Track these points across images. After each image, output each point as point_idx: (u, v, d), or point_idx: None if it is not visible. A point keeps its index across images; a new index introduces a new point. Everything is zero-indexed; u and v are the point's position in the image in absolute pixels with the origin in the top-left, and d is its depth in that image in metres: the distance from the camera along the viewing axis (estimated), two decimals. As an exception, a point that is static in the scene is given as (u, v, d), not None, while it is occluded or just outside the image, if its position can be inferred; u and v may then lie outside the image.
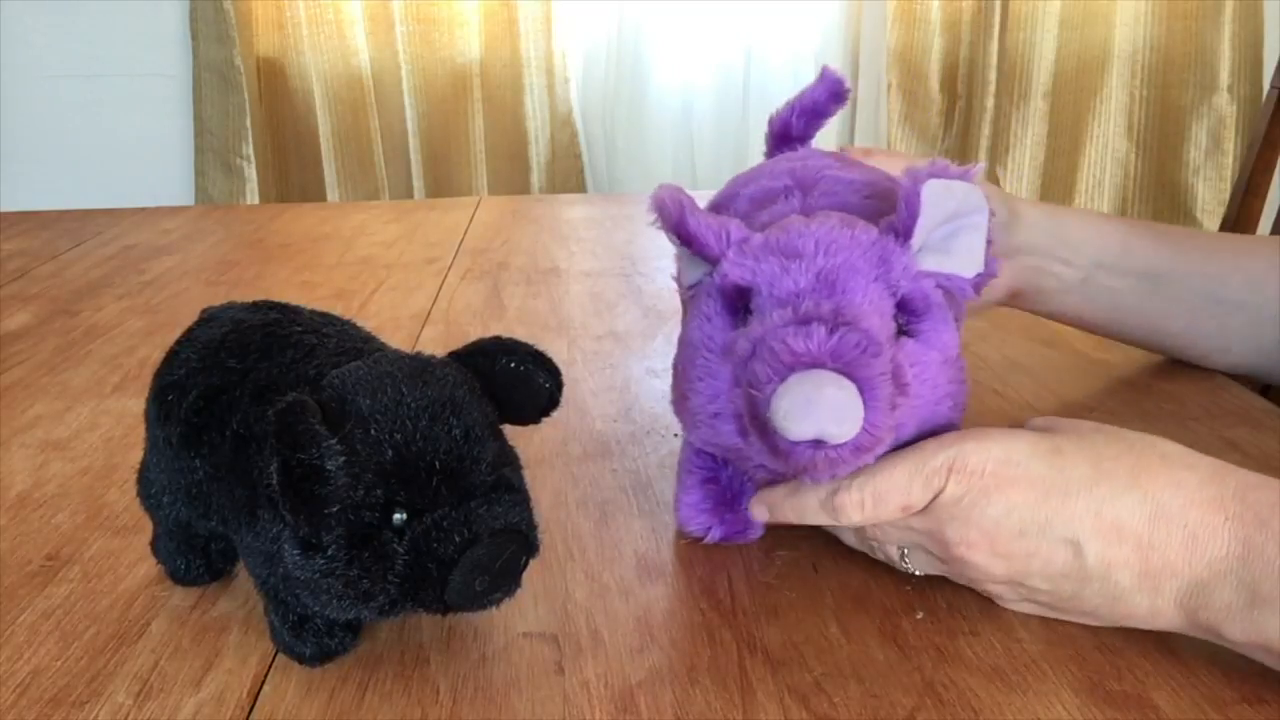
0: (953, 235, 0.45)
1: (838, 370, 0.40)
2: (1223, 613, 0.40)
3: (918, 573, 0.47)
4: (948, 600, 0.47)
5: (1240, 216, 1.10)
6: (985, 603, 0.47)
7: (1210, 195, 2.09)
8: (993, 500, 0.42)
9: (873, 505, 0.44)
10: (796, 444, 0.40)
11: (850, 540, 0.49)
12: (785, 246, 0.44)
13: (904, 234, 0.44)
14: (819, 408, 0.39)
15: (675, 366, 0.49)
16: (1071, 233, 0.64)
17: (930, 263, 0.45)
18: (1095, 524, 0.41)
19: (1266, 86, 1.16)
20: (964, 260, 0.46)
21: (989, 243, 0.46)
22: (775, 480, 0.48)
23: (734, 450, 0.47)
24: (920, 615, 0.46)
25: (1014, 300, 0.67)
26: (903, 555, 0.47)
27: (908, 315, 0.44)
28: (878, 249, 0.44)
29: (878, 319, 0.42)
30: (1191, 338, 0.68)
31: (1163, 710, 0.40)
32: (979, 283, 0.46)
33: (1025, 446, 0.43)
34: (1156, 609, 0.42)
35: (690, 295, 0.49)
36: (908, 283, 0.44)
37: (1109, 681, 0.42)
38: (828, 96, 0.59)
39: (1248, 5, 2.03)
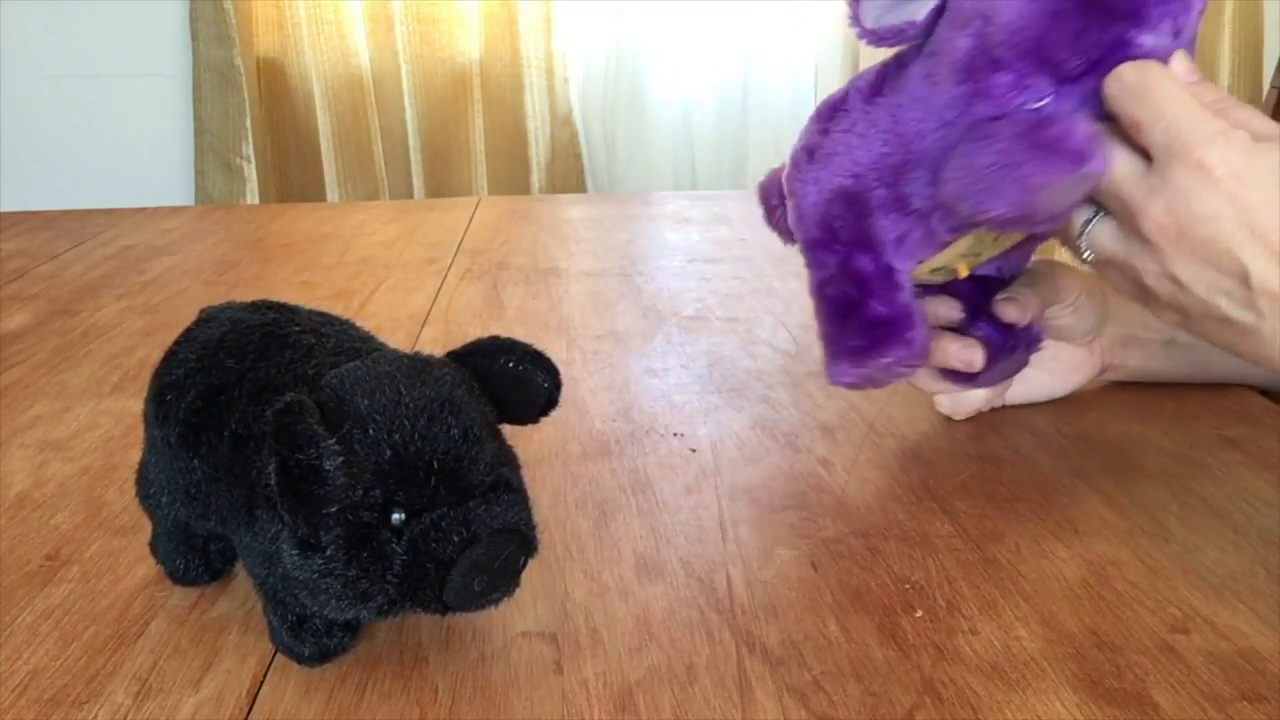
0: None
1: None
2: None
3: (1088, 255, 0.48)
4: (947, 599, 0.47)
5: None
6: (985, 601, 0.47)
7: (1210, 195, 2.09)
8: (1205, 199, 0.43)
9: (1132, 90, 0.44)
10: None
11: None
12: None
13: None
14: None
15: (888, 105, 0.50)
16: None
17: None
18: (1277, 259, 0.42)
19: (1266, 86, 1.16)
20: None
21: None
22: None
23: (1092, 21, 0.46)
24: (919, 614, 0.46)
25: (1102, 375, 0.68)
26: (1085, 227, 0.47)
27: None
28: None
29: None
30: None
31: (1162, 708, 0.40)
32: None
33: (1264, 175, 0.43)
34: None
35: (930, 16, 0.49)
36: None
37: (1108, 679, 0.42)
38: None
39: (1248, 5, 2.03)
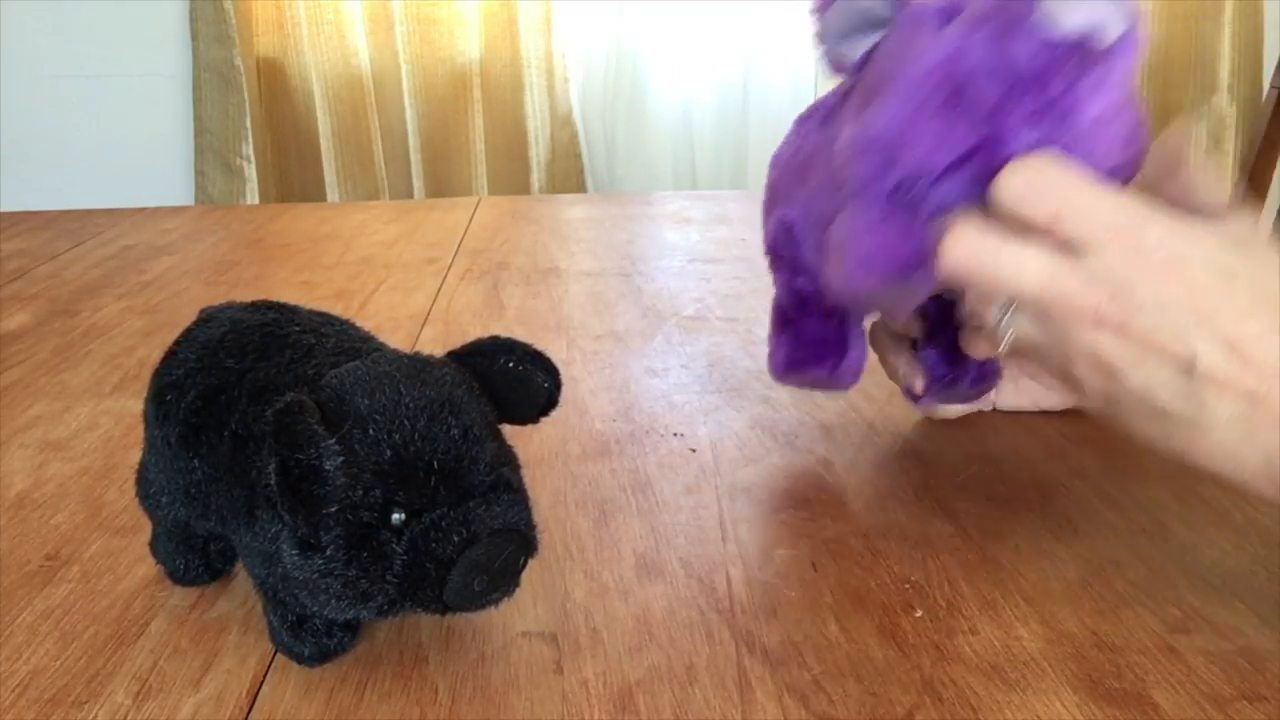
0: None
1: None
2: None
3: (1006, 339, 0.44)
4: (947, 599, 0.47)
5: (1240, 216, 1.10)
6: (985, 601, 0.47)
7: (1210, 195, 2.09)
8: (1146, 284, 0.40)
9: (1038, 189, 0.41)
10: (1062, 46, 0.38)
11: (971, 240, 0.43)
12: None
13: None
14: None
15: (864, 84, 0.46)
16: None
17: None
18: (1228, 347, 0.39)
19: (1266, 86, 1.16)
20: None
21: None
22: (971, 185, 0.44)
23: (929, 152, 0.43)
24: (919, 614, 0.46)
25: None
26: (1004, 315, 0.43)
27: None
28: None
29: None
30: None
31: (1162, 708, 0.40)
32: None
33: (1203, 252, 0.40)
34: (1240, 458, 0.40)
35: (865, 56, 0.47)
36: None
37: (1108, 679, 0.42)
38: None
39: (1248, 5, 2.03)
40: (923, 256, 0.45)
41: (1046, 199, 0.41)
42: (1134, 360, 0.40)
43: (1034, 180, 0.41)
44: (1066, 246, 0.41)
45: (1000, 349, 0.44)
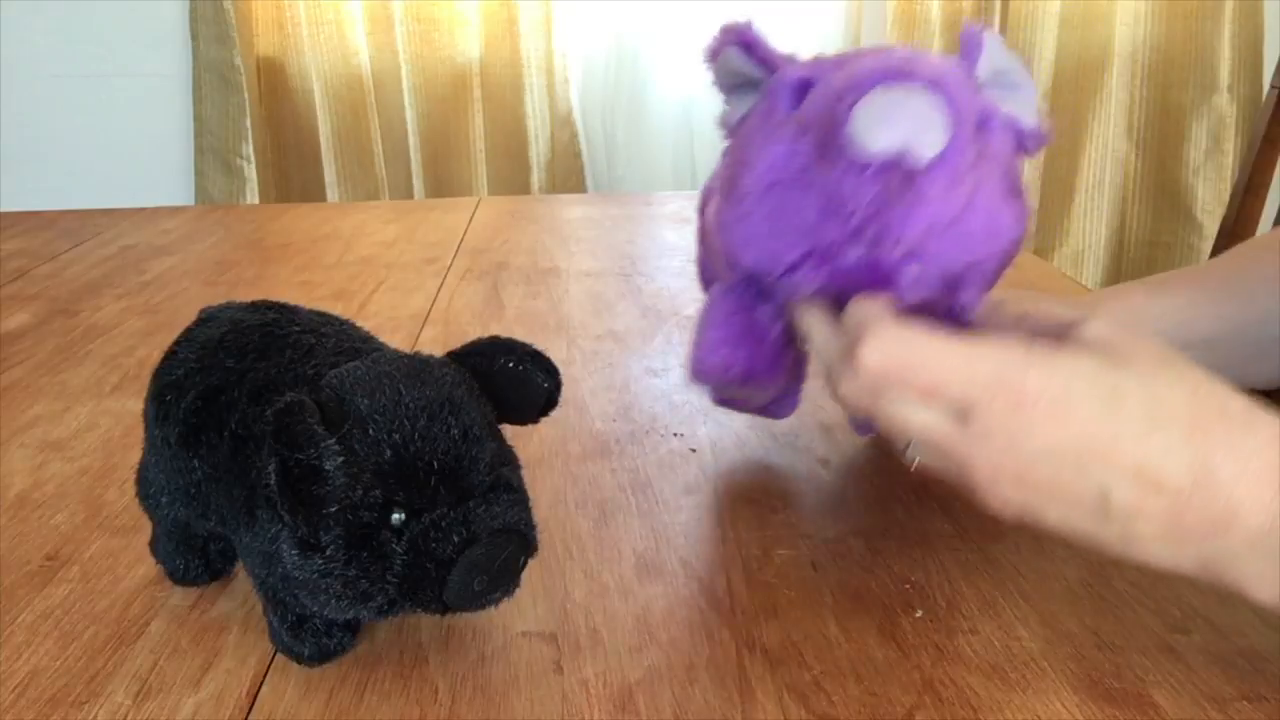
0: (1009, 92, 0.43)
1: (926, 82, 0.36)
2: (1253, 579, 0.38)
3: (913, 463, 0.43)
4: (947, 598, 0.47)
5: (1240, 216, 1.10)
6: (985, 601, 0.47)
7: (1210, 195, 2.09)
8: (1035, 435, 0.39)
9: (899, 369, 0.39)
10: (873, 167, 0.36)
11: (850, 394, 0.42)
12: (860, 54, 0.41)
13: (968, 63, 0.42)
14: (907, 112, 0.35)
15: (721, 179, 0.45)
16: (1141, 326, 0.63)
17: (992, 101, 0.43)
18: (1135, 477, 0.38)
19: (1266, 86, 1.16)
20: (1023, 110, 0.43)
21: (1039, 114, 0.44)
22: (826, 283, 0.43)
23: (781, 240, 0.42)
24: (919, 613, 0.46)
25: None
26: (907, 447, 0.42)
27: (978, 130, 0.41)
28: (942, 68, 0.40)
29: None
30: (1247, 377, 0.67)
31: (1162, 708, 0.40)
32: (1036, 139, 0.44)
33: (1085, 385, 0.39)
34: (1175, 563, 0.39)
35: (737, 126, 0.46)
36: (979, 101, 0.41)
37: (1108, 679, 0.42)
38: None
39: (1248, 5, 2.03)
40: (767, 357, 0.45)
41: (914, 374, 0.39)
42: (1042, 505, 0.40)
43: (893, 355, 0.39)
44: (950, 408, 0.40)
45: (911, 469, 0.43)
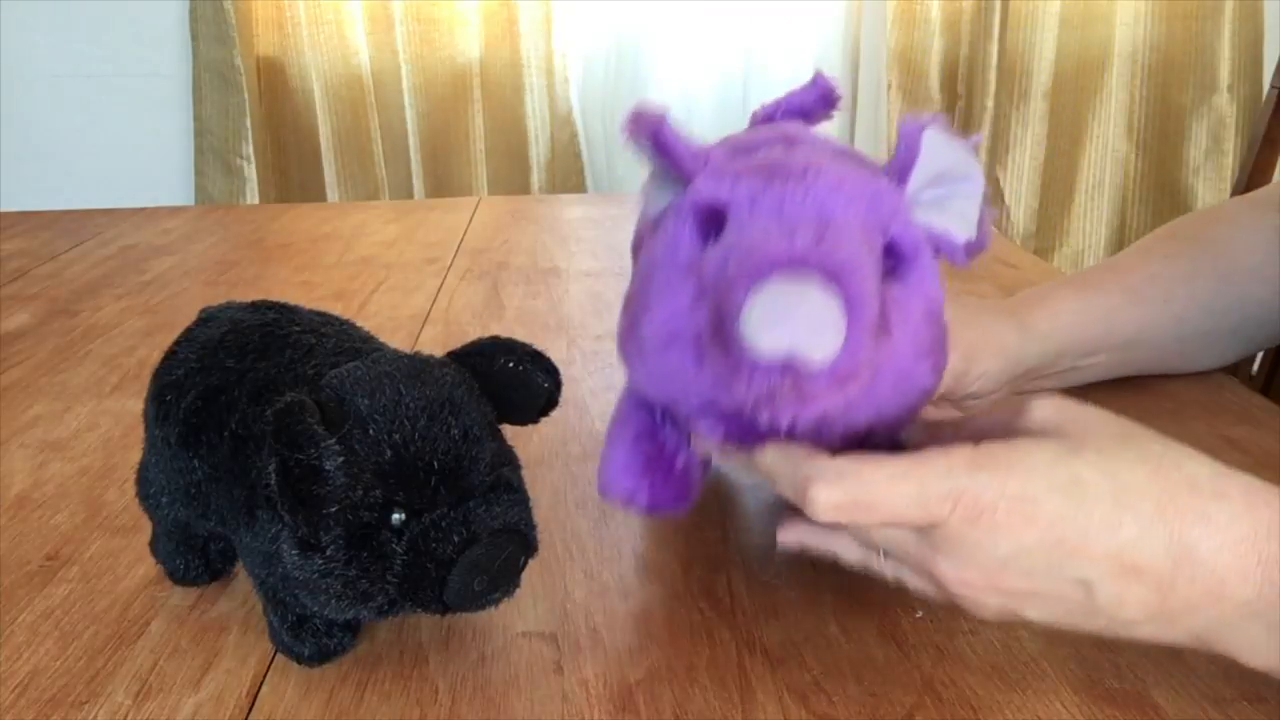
0: (948, 197, 0.41)
1: (823, 278, 0.34)
2: (1246, 648, 0.38)
3: (889, 577, 0.42)
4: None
5: (1240, 216, 1.10)
6: (984, 602, 0.47)
7: (1210, 195, 2.09)
8: (1001, 541, 0.38)
9: (852, 512, 0.38)
10: (762, 365, 0.34)
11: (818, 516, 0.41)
12: (771, 167, 0.39)
13: (900, 175, 0.40)
14: (797, 316, 0.34)
15: (626, 296, 0.43)
16: (1057, 341, 0.64)
17: (923, 218, 0.41)
18: (1112, 566, 0.37)
19: (1266, 86, 1.16)
20: (959, 221, 0.41)
21: (984, 215, 0.42)
22: (728, 435, 0.41)
23: (682, 389, 0.41)
24: (919, 614, 0.46)
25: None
26: (881, 554, 0.42)
27: (894, 260, 0.39)
28: (871, 183, 0.39)
29: (866, 249, 0.37)
30: (1150, 371, 0.70)
31: (1163, 708, 0.40)
32: (971, 250, 0.42)
33: (1043, 480, 0.38)
34: (1171, 639, 0.39)
35: (654, 224, 0.43)
36: (898, 225, 0.39)
37: (1109, 679, 0.42)
38: (817, 100, 0.55)
39: (1248, 5, 2.03)
40: (674, 486, 0.45)
41: (869, 512, 0.38)
42: (1021, 606, 0.39)
43: (844, 498, 0.38)
44: (913, 528, 0.39)
45: (889, 578, 0.42)
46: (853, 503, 0.38)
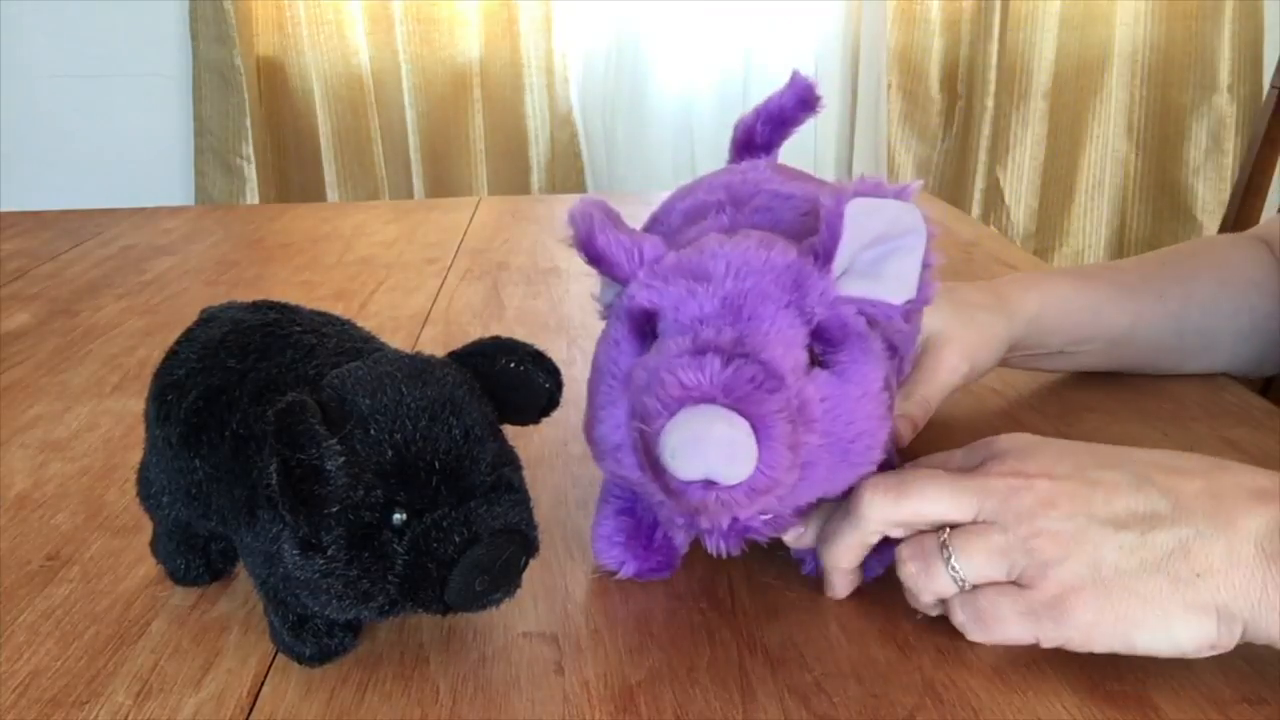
0: (883, 258, 0.42)
1: (730, 406, 0.37)
2: None
3: (961, 581, 0.43)
4: (948, 600, 0.47)
5: (1240, 216, 1.10)
6: (985, 602, 0.47)
7: (1210, 195, 2.09)
8: (1045, 448, 0.43)
9: (900, 491, 0.43)
10: (688, 484, 0.38)
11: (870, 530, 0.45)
12: (695, 268, 0.41)
13: (824, 257, 0.41)
14: (708, 446, 0.37)
15: (587, 391, 0.46)
16: (1046, 322, 0.65)
17: (855, 288, 0.42)
18: (1158, 464, 0.42)
19: (1266, 86, 1.16)
20: (893, 285, 0.42)
21: (926, 266, 0.43)
22: (689, 526, 0.44)
23: (639, 484, 0.44)
24: (920, 615, 0.46)
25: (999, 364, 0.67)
26: (948, 557, 0.42)
27: (824, 345, 0.41)
28: (792, 273, 0.41)
29: (782, 349, 0.40)
30: (1155, 366, 0.71)
31: (1163, 710, 0.40)
32: (910, 310, 0.43)
33: (1054, 447, 0.44)
34: (1235, 554, 0.39)
35: (607, 310, 0.46)
36: (824, 310, 0.41)
37: (1109, 681, 0.42)
38: (796, 103, 0.56)
39: (1248, 5, 2.03)
40: (656, 557, 0.48)
41: (917, 507, 0.43)
42: (1090, 501, 0.41)
43: (888, 497, 0.43)
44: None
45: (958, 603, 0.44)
46: (899, 482, 0.43)
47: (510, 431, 0.43)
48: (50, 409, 0.70)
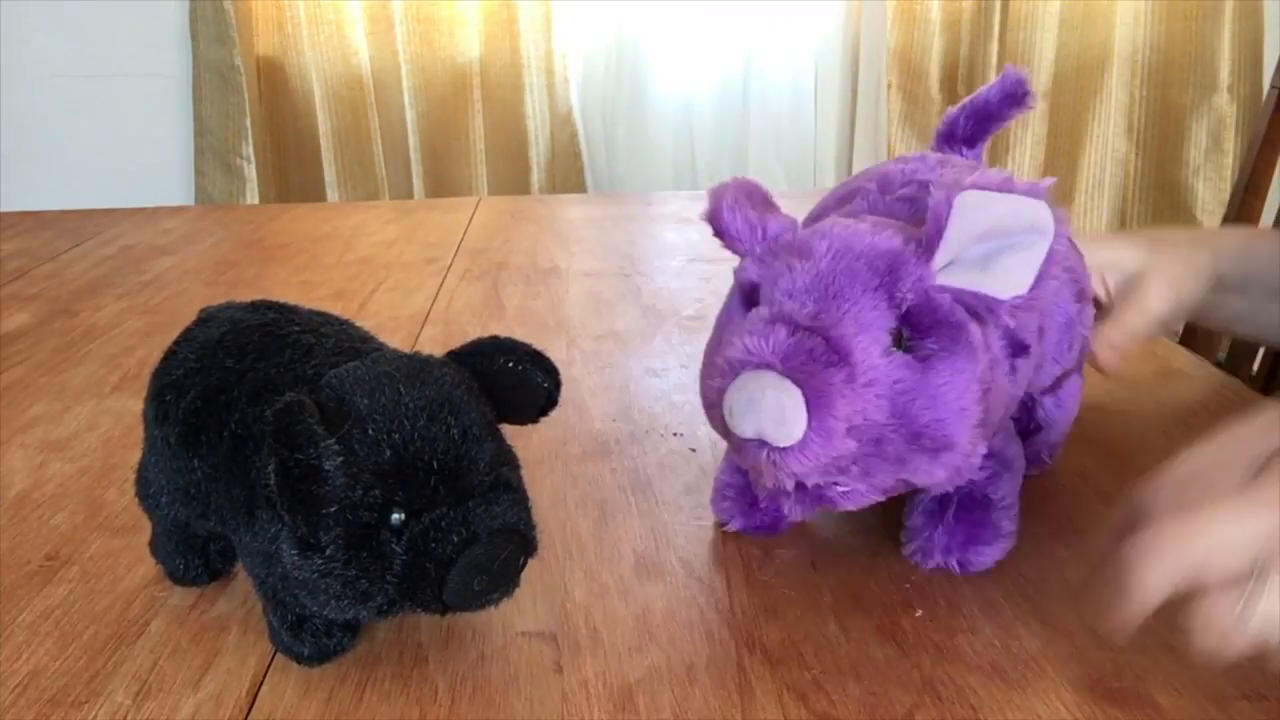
0: (997, 252, 0.42)
1: (785, 374, 0.39)
2: None
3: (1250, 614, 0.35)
4: (947, 598, 0.47)
5: (1240, 216, 1.10)
6: (985, 600, 0.47)
7: (1210, 195, 2.09)
8: None
9: (1181, 553, 0.35)
10: (745, 441, 0.40)
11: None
12: (802, 247, 0.44)
13: (926, 245, 0.42)
14: (759, 408, 0.39)
15: (703, 354, 0.49)
16: (1251, 264, 0.65)
17: (961, 278, 0.42)
18: None
19: (1266, 86, 1.16)
20: (1002, 280, 0.42)
21: (1050, 266, 0.42)
22: (755, 477, 0.46)
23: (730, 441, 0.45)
24: (919, 613, 0.46)
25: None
26: (1244, 600, 0.35)
27: (913, 330, 0.42)
28: (889, 258, 0.42)
29: (855, 328, 0.41)
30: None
31: (1163, 707, 0.40)
32: (1018, 306, 0.42)
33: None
34: None
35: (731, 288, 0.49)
36: (916, 296, 0.42)
37: (1108, 679, 0.42)
38: (1002, 98, 0.56)
39: (1248, 5, 2.03)
40: (763, 518, 0.52)
41: (1201, 558, 0.35)
42: None
43: (1150, 548, 0.36)
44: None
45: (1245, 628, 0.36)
46: (1180, 546, 0.35)
47: (509, 431, 0.43)
48: (50, 409, 0.70)
